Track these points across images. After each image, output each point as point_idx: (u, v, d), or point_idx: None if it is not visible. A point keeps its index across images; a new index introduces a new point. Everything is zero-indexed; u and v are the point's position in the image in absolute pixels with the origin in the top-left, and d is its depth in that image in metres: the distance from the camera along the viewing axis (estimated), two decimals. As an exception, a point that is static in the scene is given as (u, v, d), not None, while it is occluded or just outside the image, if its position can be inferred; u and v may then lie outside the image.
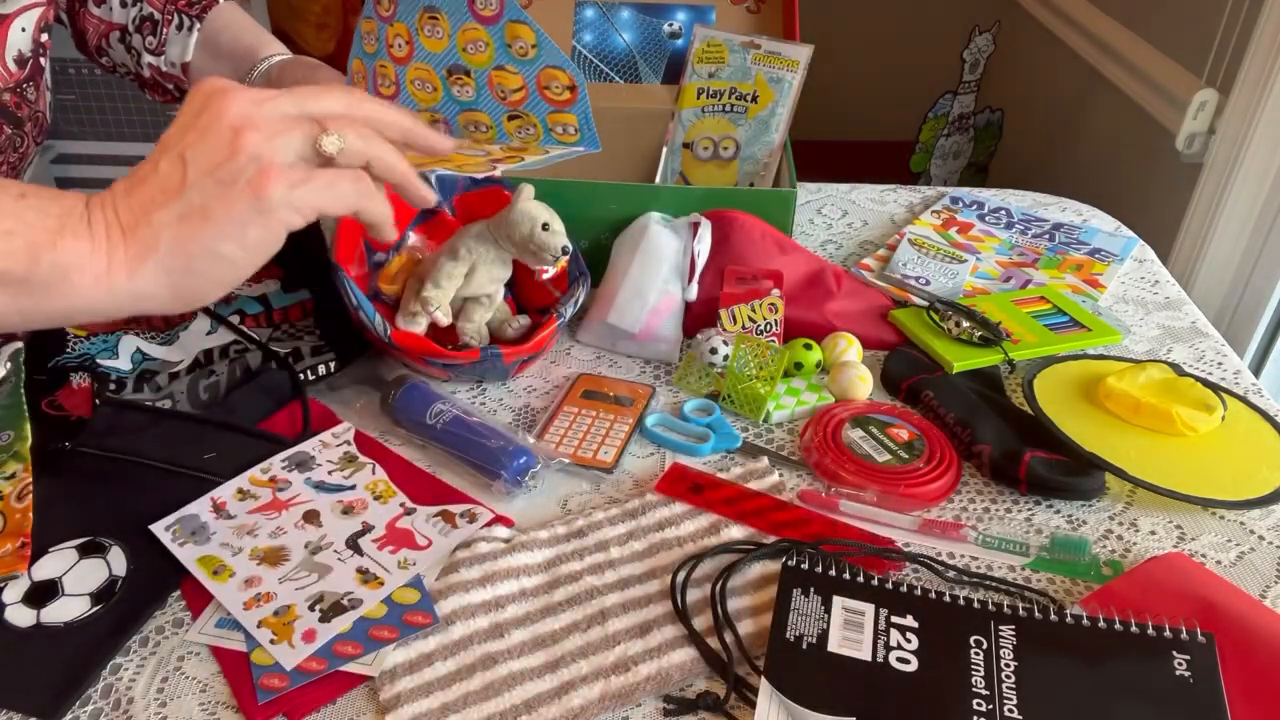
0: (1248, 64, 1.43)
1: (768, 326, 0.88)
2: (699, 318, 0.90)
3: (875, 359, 0.91)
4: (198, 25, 0.84)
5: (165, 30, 0.84)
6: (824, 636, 0.60)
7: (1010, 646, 0.59)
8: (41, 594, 0.63)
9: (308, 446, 0.76)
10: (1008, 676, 0.57)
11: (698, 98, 1.07)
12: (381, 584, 0.64)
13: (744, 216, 0.91)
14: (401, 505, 0.71)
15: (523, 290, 0.93)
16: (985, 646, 0.59)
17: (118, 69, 0.91)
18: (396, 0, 0.73)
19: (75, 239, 0.50)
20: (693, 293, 0.90)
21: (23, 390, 0.74)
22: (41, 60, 0.78)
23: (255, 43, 0.85)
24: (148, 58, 0.86)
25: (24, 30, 0.75)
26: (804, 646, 0.59)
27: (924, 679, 0.57)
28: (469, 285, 0.85)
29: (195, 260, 0.51)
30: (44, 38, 0.77)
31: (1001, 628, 0.60)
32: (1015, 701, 0.56)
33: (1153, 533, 0.72)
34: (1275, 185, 1.45)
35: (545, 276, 0.90)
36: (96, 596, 0.63)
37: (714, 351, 0.86)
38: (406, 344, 0.81)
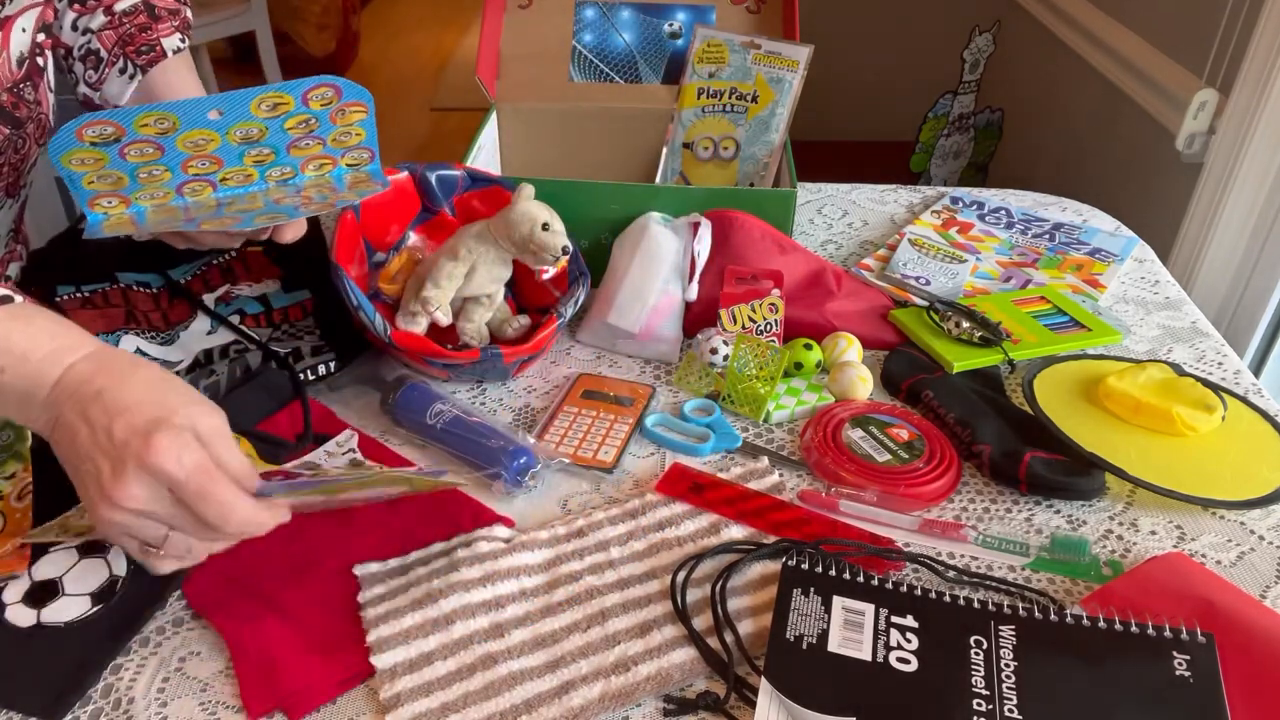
0: (1248, 64, 1.43)
1: (768, 326, 0.88)
2: (699, 318, 0.90)
3: (875, 359, 0.91)
4: (140, 76, 0.82)
5: (108, 70, 0.82)
6: (824, 636, 0.60)
7: (1010, 646, 0.59)
8: (41, 594, 0.63)
9: (314, 456, 0.76)
10: (1008, 676, 0.57)
11: (698, 98, 1.07)
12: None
13: (744, 216, 0.91)
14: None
15: (523, 290, 0.93)
16: (985, 646, 0.59)
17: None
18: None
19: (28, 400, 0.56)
20: (693, 293, 0.90)
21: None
22: (39, 60, 0.78)
23: None
24: (83, 88, 0.85)
25: (24, 30, 0.75)
26: (804, 646, 0.59)
27: (924, 679, 0.57)
28: (469, 285, 0.85)
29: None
30: (41, 38, 0.77)
31: (1001, 628, 0.60)
32: (1015, 701, 0.56)
33: (1153, 533, 0.72)
34: (1275, 185, 1.45)
35: (545, 277, 0.90)
36: (96, 596, 0.63)
37: (714, 351, 0.86)
38: (406, 344, 0.81)
